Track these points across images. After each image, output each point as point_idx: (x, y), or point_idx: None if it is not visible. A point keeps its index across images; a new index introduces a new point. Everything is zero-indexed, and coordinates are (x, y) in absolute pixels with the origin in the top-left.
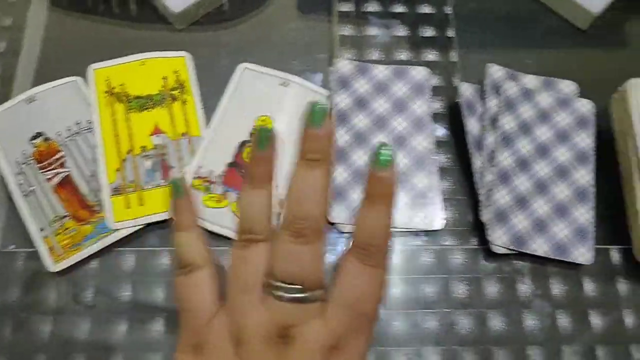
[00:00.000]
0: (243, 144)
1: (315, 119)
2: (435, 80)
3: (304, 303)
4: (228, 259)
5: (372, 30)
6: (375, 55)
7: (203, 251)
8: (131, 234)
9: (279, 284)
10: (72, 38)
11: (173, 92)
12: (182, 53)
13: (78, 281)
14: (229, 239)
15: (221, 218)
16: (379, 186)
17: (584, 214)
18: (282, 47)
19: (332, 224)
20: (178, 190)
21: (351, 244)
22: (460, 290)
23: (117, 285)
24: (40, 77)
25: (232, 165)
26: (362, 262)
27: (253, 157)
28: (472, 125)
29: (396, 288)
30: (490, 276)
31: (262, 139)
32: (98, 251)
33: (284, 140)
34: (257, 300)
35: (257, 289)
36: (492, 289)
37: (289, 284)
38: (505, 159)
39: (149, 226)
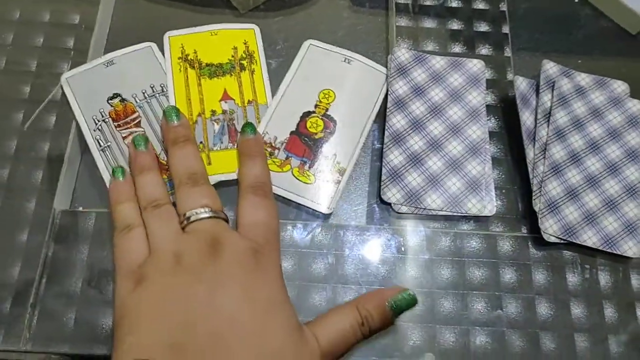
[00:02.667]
0: (306, 114)
1: (169, 116)
2: (488, 74)
3: (218, 219)
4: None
5: (428, 23)
6: (430, 47)
7: (137, 214)
8: None
9: (193, 212)
10: (142, 16)
11: (242, 62)
12: (252, 25)
13: None
14: (290, 200)
15: (282, 181)
16: (250, 146)
17: (633, 209)
18: (339, 35)
19: (388, 204)
20: (117, 175)
21: (242, 187)
22: (508, 275)
23: None
24: (113, 47)
25: (294, 133)
26: (259, 195)
27: (134, 155)
28: (526, 118)
29: (444, 270)
30: (539, 264)
31: (138, 140)
32: None
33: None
34: (180, 232)
35: (177, 227)
36: (540, 276)
37: (198, 209)
38: (558, 152)
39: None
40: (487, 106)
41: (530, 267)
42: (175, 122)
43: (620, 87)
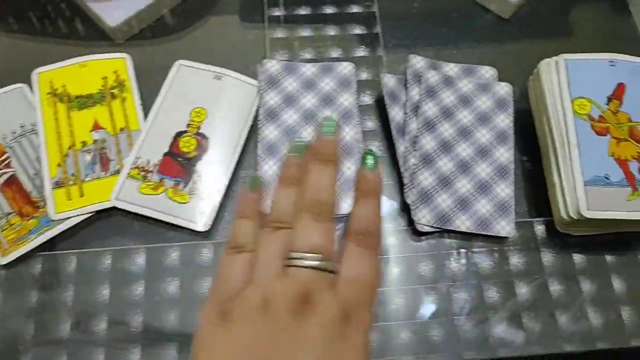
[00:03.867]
0: (179, 134)
1: (326, 129)
2: (365, 75)
3: (322, 271)
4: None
5: (304, 32)
6: (308, 55)
7: (252, 238)
8: (74, 237)
9: (300, 254)
10: (18, 52)
11: (112, 91)
12: (123, 55)
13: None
14: (164, 222)
15: (157, 204)
16: (368, 184)
17: (505, 189)
18: (221, 53)
19: None
20: (254, 186)
21: (349, 231)
22: (395, 270)
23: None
24: None
25: (167, 154)
26: (360, 245)
27: (289, 160)
28: (395, 113)
29: None
30: (420, 255)
31: (295, 148)
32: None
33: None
34: (280, 271)
35: (280, 262)
36: (423, 267)
37: (310, 254)
38: (428, 142)
39: (90, 226)
40: (364, 106)
41: (413, 259)
42: (329, 136)
43: (488, 72)
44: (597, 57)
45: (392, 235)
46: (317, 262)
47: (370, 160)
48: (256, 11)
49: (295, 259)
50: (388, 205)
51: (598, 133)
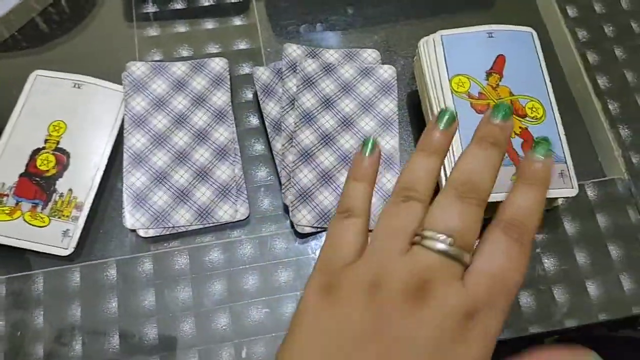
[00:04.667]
0: (36, 152)
1: (498, 114)
2: (247, 69)
3: (450, 258)
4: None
5: (180, 27)
6: (186, 52)
7: (365, 204)
8: None
9: (431, 233)
10: None
11: None
12: None
13: None
14: (21, 249)
15: (13, 230)
16: (536, 173)
17: (391, 180)
18: (90, 59)
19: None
20: (372, 149)
21: (497, 217)
22: (284, 275)
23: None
24: None
25: (24, 175)
26: (509, 236)
27: (432, 129)
28: (270, 108)
29: (217, 285)
30: (306, 258)
31: (447, 117)
32: None
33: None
34: (402, 248)
35: (405, 239)
36: (309, 270)
37: (442, 234)
38: (307, 137)
39: None
40: (246, 102)
41: (299, 263)
42: (498, 120)
43: (370, 55)
44: (474, 30)
45: (279, 239)
46: (448, 247)
47: (543, 148)
48: (128, 10)
49: (426, 237)
50: (274, 206)
51: (478, 111)
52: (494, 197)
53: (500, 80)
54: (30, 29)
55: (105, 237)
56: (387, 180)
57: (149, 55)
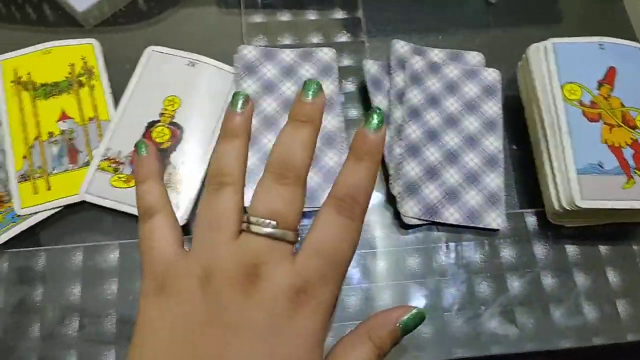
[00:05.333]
0: (151, 124)
1: (309, 92)
2: (347, 62)
3: (277, 240)
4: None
5: (282, 16)
6: (287, 40)
7: (160, 197)
8: (42, 233)
9: (255, 219)
10: None
11: (80, 79)
12: (90, 40)
13: None
14: (136, 216)
15: (130, 197)
16: (365, 145)
17: (494, 180)
18: (196, 39)
19: None
20: (141, 149)
21: (329, 195)
22: (381, 264)
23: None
24: None
25: None
26: (339, 212)
27: (227, 113)
28: (378, 101)
29: None
30: (409, 249)
31: (237, 99)
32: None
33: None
34: (227, 237)
35: (228, 227)
36: (411, 261)
37: (265, 219)
38: (414, 131)
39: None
40: (347, 94)
41: (400, 253)
42: (309, 98)
43: (475, 58)
44: (586, 41)
45: (379, 228)
46: (273, 230)
47: (375, 119)
48: None
49: (251, 223)
50: (373, 196)
51: (590, 119)
52: (604, 205)
53: (611, 91)
54: (134, 8)
55: None
56: (491, 180)
57: (254, 41)
